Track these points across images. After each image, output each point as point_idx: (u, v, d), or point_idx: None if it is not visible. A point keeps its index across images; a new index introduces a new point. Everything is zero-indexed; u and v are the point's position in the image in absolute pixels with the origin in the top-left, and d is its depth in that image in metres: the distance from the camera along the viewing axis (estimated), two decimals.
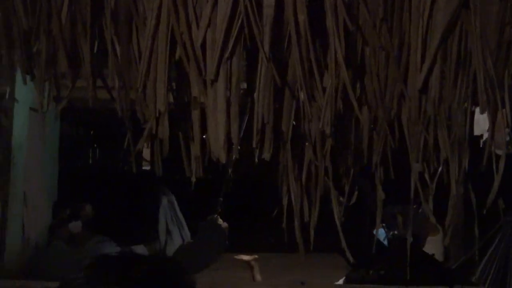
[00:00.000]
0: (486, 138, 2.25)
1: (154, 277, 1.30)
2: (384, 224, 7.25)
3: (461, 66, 2.12)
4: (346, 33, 2.06)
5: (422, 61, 2.10)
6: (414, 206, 6.77)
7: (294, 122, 2.20)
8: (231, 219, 6.54)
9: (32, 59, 2.27)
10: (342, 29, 2.05)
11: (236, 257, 6.21)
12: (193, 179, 2.29)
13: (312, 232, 2.23)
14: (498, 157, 2.16)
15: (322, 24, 2.08)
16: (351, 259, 2.42)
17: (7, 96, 2.34)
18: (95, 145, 10.26)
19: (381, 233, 7.45)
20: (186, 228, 6.77)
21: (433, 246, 6.83)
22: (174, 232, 6.63)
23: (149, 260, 1.38)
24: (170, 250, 6.60)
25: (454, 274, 4.99)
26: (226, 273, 7.07)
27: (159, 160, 2.28)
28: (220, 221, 6.43)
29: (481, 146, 3.58)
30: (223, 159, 2.12)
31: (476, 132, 3.86)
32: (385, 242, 7.41)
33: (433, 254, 6.89)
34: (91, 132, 9.90)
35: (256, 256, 6.16)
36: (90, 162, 10.31)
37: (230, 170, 2.31)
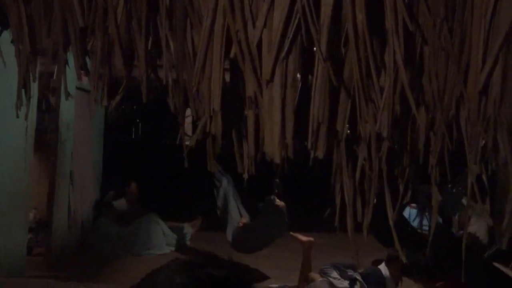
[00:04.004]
0: None
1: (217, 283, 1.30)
2: (415, 204, 7.20)
3: None
4: (406, 32, 2.02)
5: (483, 62, 2.04)
6: (449, 186, 6.71)
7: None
8: (289, 199, 6.59)
9: (87, 55, 2.29)
10: (402, 28, 2.00)
11: (292, 233, 6.18)
12: (245, 176, 2.28)
13: (365, 232, 2.21)
14: None
15: (381, 23, 2.04)
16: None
17: (54, 76, 2.35)
18: (139, 121, 10.32)
19: (411, 214, 7.40)
20: (244, 209, 6.81)
21: (478, 226, 6.78)
22: (233, 213, 6.67)
23: (218, 265, 1.38)
24: (229, 230, 6.65)
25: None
26: (284, 253, 7.15)
27: (212, 157, 2.28)
28: (278, 201, 6.47)
29: None
30: (277, 159, 2.11)
31: None
32: (415, 223, 7.37)
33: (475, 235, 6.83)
34: (135, 107, 9.95)
35: (311, 239, 6.11)
36: (134, 137, 10.39)
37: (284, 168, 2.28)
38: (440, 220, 7.36)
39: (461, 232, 7.01)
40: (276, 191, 6.38)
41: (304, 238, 6.17)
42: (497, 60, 2.04)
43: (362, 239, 2.21)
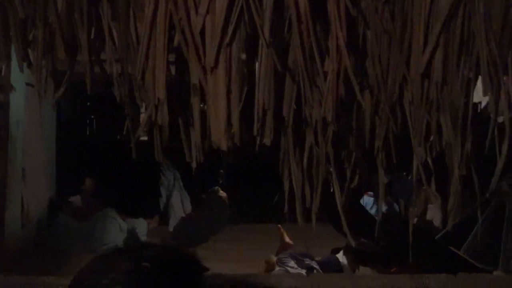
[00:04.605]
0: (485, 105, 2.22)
1: (163, 268, 1.29)
2: (372, 193, 7.27)
3: (464, 49, 2.09)
4: (348, 16, 2.03)
5: (425, 45, 2.07)
6: (404, 174, 6.77)
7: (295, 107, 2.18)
8: (234, 191, 6.55)
9: (28, 46, 2.24)
10: (344, 13, 2.02)
11: (281, 228, 6.02)
12: (194, 165, 2.27)
13: (313, 217, 2.23)
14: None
15: (323, 8, 2.05)
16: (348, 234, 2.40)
17: (2, 73, 2.30)
18: (93, 117, 10.21)
19: (368, 202, 7.47)
20: (188, 200, 6.79)
21: (432, 213, 6.87)
22: (177, 206, 6.65)
23: (157, 250, 1.37)
24: (173, 223, 6.63)
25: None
26: (229, 245, 7.11)
27: (159, 147, 2.26)
28: (222, 192, 6.45)
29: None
30: (224, 147, 2.10)
31: (475, 99, 3.85)
32: (373, 211, 7.43)
33: (431, 221, 6.94)
34: (88, 104, 9.84)
35: (291, 244, 5.93)
36: (88, 134, 10.27)
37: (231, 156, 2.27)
38: (397, 207, 7.45)
39: (417, 218, 7.12)
40: (221, 182, 6.38)
41: (287, 239, 6.10)
42: (438, 43, 2.07)
43: (320, 228, 2.22)
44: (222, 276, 2.27)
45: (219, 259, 6.67)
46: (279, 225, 5.97)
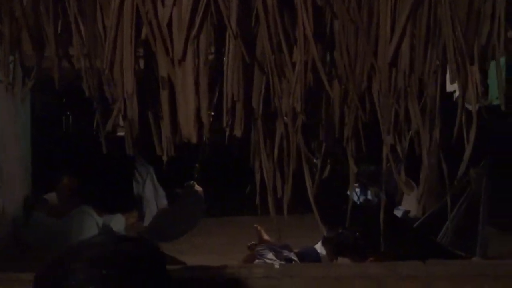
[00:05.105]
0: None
1: (125, 259, 1.30)
2: (358, 184, 7.31)
3: (431, 37, 2.10)
4: (315, 7, 2.03)
5: (392, 34, 2.08)
6: (389, 165, 6.83)
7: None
8: (210, 184, 6.52)
9: None
10: (311, 3, 2.02)
11: (259, 227, 6.00)
12: (164, 158, 2.26)
13: (285, 207, 2.23)
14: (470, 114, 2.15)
15: None
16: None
17: None
18: (68, 113, 10.14)
19: (356, 193, 7.51)
20: (163, 196, 6.76)
21: (409, 203, 6.92)
22: (151, 201, 6.62)
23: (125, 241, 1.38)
24: (148, 219, 6.60)
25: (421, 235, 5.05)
26: (205, 238, 7.09)
27: (130, 140, 2.25)
28: (197, 187, 6.43)
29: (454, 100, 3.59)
30: (194, 139, 2.10)
31: (449, 88, 3.87)
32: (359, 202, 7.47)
33: (409, 211, 6.98)
34: (63, 100, 9.77)
35: (269, 240, 5.93)
36: (64, 130, 10.20)
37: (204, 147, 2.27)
38: (384, 197, 7.48)
39: (398, 208, 7.17)
40: (196, 176, 6.37)
41: (266, 236, 6.10)
42: (405, 32, 2.08)
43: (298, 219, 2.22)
44: (198, 269, 2.27)
45: (195, 252, 6.68)
46: (256, 225, 5.98)
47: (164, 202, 6.68)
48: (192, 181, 6.38)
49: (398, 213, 7.03)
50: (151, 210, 6.56)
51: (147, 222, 6.56)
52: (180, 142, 2.22)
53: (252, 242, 5.76)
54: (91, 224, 7.21)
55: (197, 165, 6.27)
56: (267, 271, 2.21)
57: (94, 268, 1.24)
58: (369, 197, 7.47)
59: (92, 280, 1.23)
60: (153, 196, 6.63)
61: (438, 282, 2.17)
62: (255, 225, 5.93)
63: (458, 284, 2.17)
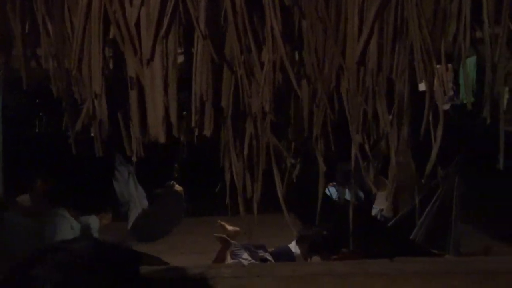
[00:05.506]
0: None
1: (94, 261, 1.29)
2: (334, 183, 7.35)
3: (398, 36, 2.12)
4: (283, 6, 2.04)
5: (360, 33, 2.09)
6: (365, 164, 6.86)
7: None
8: (189, 184, 6.52)
9: None
10: (278, 2, 2.02)
11: (220, 222, 6.03)
12: (134, 159, 2.26)
13: (255, 207, 2.23)
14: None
15: None
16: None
17: None
18: (41, 114, 10.05)
19: (333, 192, 7.55)
20: (144, 196, 6.73)
21: (383, 202, 6.96)
22: (135, 201, 6.59)
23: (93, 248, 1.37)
24: (131, 220, 6.57)
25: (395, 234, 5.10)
26: (185, 237, 7.08)
27: (99, 141, 2.24)
28: (177, 186, 6.42)
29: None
30: (162, 139, 2.09)
31: (422, 88, 3.89)
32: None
33: (382, 209, 7.03)
34: (37, 101, 9.68)
35: (238, 229, 5.97)
36: (37, 131, 10.12)
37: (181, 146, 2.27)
38: (362, 195, 7.52)
39: (373, 206, 7.22)
40: (176, 176, 6.36)
41: (230, 227, 6.12)
42: (373, 31, 2.09)
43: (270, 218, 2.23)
44: (165, 270, 2.27)
45: (175, 253, 6.67)
46: (219, 221, 5.99)
47: (145, 203, 6.65)
48: (172, 181, 6.37)
49: (373, 211, 7.09)
50: (134, 211, 6.53)
51: (130, 223, 6.53)
52: (157, 143, 2.21)
53: (219, 235, 5.75)
54: (65, 226, 7.15)
55: (176, 165, 6.27)
56: (235, 271, 2.21)
57: (59, 273, 1.23)
58: (346, 196, 7.50)
59: (56, 286, 1.22)
60: (136, 197, 6.60)
61: (407, 279, 2.18)
62: (218, 222, 5.95)
63: (427, 281, 2.19)
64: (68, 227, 7.17)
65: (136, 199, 6.69)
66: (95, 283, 1.25)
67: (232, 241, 5.56)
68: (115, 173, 6.70)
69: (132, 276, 1.35)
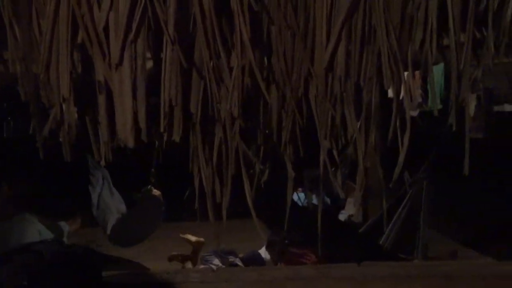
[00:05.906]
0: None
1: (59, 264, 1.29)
2: (301, 189, 7.36)
3: (366, 43, 2.14)
4: (251, 12, 2.05)
5: (328, 39, 2.10)
6: (333, 169, 6.90)
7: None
8: (167, 188, 6.48)
9: None
10: (247, 9, 2.03)
11: (182, 235, 6.02)
12: (103, 163, 2.25)
13: (224, 212, 2.24)
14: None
15: (227, 4, 2.05)
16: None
17: None
18: (10, 118, 9.93)
19: (301, 197, 7.57)
20: (121, 201, 6.66)
21: (352, 207, 7.00)
22: (111, 207, 6.52)
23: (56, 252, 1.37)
24: (108, 226, 6.49)
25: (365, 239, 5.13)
26: (165, 241, 7.04)
27: (67, 146, 2.22)
28: (155, 191, 6.37)
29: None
30: (131, 144, 2.08)
31: (390, 94, 3.92)
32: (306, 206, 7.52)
33: (352, 215, 7.06)
34: (5, 105, 9.57)
35: (201, 239, 5.98)
36: (5, 135, 9.99)
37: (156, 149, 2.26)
38: (329, 200, 7.55)
39: (341, 212, 7.25)
40: (153, 181, 6.31)
41: (193, 238, 6.09)
42: (341, 38, 2.11)
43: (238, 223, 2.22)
44: (134, 274, 2.26)
45: (154, 257, 6.62)
46: (180, 235, 6.00)
47: (122, 207, 6.58)
48: (149, 186, 6.33)
49: (342, 217, 7.12)
50: (111, 216, 6.45)
51: (108, 229, 6.44)
52: (129, 148, 2.20)
53: (173, 253, 5.78)
54: (32, 231, 7.05)
55: (153, 169, 6.21)
56: (203, 276, 2.21)
57: (18, 277, 1.22)
58: (314, 201, 7.52)
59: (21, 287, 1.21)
60: (111, 201, 6.53)
61: (372, 283, 2.20)
62: (180, 235, 5.96)
63: (392, 285, 2.21)
64: (35, 232, 7.06)
65: (112, 204, 6.61)
66: (58, 284, 1.25)
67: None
68: (90, 178, 6.62)
69: (95, 279, 1.35)
